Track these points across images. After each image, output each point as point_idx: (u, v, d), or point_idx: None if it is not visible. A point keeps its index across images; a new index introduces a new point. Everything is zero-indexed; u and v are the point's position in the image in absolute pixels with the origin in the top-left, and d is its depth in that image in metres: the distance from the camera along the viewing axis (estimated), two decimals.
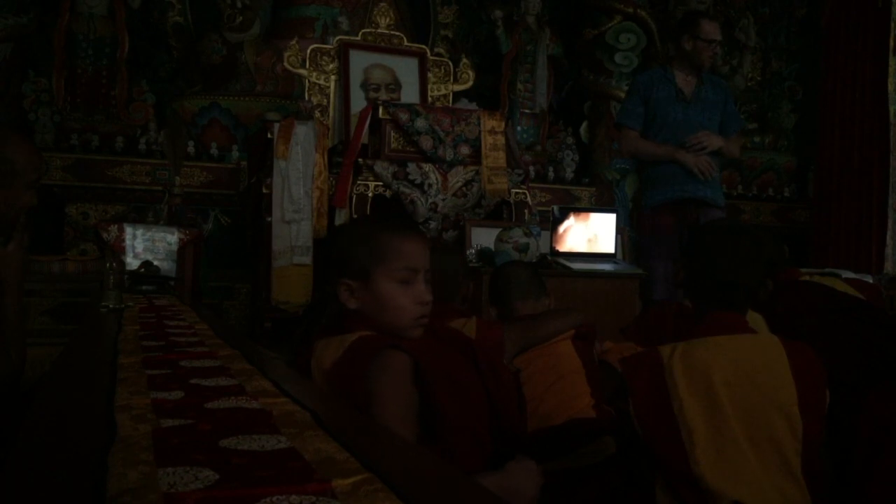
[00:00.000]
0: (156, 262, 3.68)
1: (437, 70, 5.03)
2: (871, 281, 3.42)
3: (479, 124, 4.10)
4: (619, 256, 4.05)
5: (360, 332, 1.36)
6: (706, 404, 1.48)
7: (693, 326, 1.64)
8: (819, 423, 1.50)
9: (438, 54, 5.52)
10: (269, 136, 4.07)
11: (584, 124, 6.50)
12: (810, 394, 1.50)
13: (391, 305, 1.38)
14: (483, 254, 3.53)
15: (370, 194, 3.92)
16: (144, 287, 3.15)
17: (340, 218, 3.92)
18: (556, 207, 4.02)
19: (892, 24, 5.92)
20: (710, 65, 3.80)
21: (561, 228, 3.84)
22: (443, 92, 5.00)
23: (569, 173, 6.18)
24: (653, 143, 3.79)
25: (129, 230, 3.92)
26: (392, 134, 4.01)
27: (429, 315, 1.45)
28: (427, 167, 3.97)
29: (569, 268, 3.63)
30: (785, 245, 2.63)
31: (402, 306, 1.39)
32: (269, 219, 4.02)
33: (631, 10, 6.23)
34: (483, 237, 3.74)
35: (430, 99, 4.85)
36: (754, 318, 2.05)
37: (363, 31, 4.98)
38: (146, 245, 3.91)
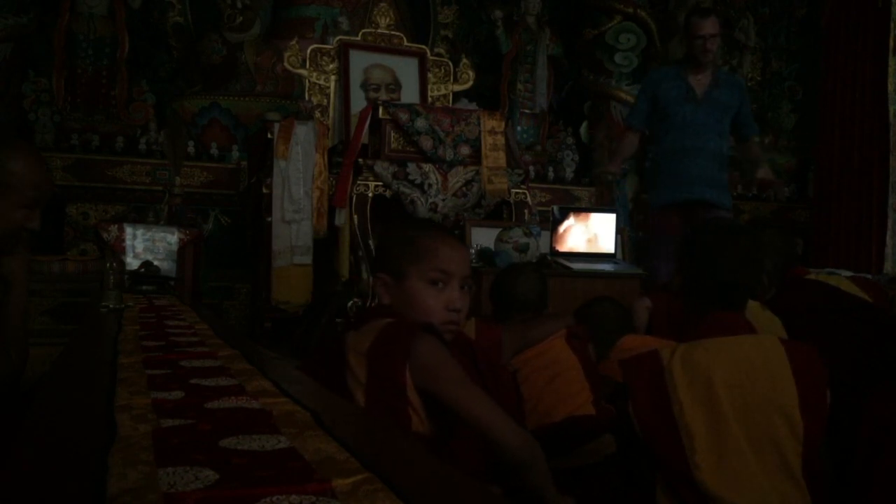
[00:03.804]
0: (156, 262, 3.68)
1: (437, 70, 5.03)
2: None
3: (479, 124, 4.10)
4: (619, 256, 4.04)
5: (387, 318, 1.39)
6: (706, 407, 1.47)
7: (691, 327, 1.64)
8: (820, 423, 1.50)
9: (438, 54, 5.52)
10: (269, 136, 4.07)
11: (584, 124, 6.50)
12: (811, 394, 1.50)
13: (420, 305, 1.43)
14: (483, 254, 3.53)
15: (370, 194, 3.91)
16: (144, 287, 3.15)
17: (340, 218, 3.92)
18: (556, 207, 4.02)
19: (892, 24, 5.92)
20: (710, 60, 3.75)
21: (561, 228, 3.83)
22: (443, 92, 5.00)
23: (569, 173, 6.18)
24: (622, 151, 4.01)
25: (129, 230, 3.93)
26: (392, 134, 4.01)
27: (459, 323, 1.48)
28: (427, 167, 3.97)
29: (569, 268, 3.63)
30: (799, 238, 2.64)
31: (430, 307, 1.43)
32: (269, 219, 4.02)
33: (631, 10, 6.23)
34: (483, 237, 3.74)
35: (430, 99, 4.85)
36: (771, 319, 2.05)
37: (363, 31, 4.98)
38: (146, 245, 3.91)
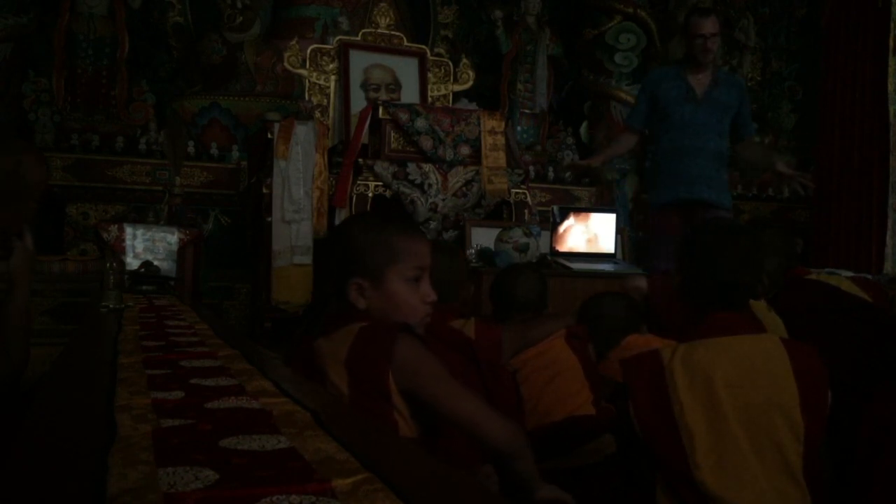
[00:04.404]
0: (156, 262, 3.68)
1: (437, 70, 5.03)
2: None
3: (479, 124, 4.10)
4: (619, 256, 4.04)
5: (359, 323, 1.36)
6: (707, 407, 1.47)
7: (691, 327, 1.64)
8: (820, 423, 1.50)
9: (438, 54, 5.52)
10: (269, 136, 4.07)
11: (584, 124, 6.50)
12: (812, 395, 1.50)
13: (403, 305, 1.40)
14: (483, 254, 3.53)
15: (370, 194, 3.92)
16: (144, 287, 3.15)
17: (340, 218, 3.92)
18: (556, 207, 4.02)
19: (892, 24, 5.92)
20: (710, 59, 3.74)
21: (561, 228, 3.83)
22: (443, 92, 5.00)
23: (569, 173, 6.18)
24: (613, 149, 4.13)
25: (129, 230, 3.92)
26: (392, 134, 4.01)
27: (430, 314, 1.47)
28: (427, 167, 3.97)
29: (569, 268, 3.62)
30: (799, 238, 2.63)
31: (413, 305, 1.40)
32: (269, 219, 4.02)
33: (631, 10, 6.23)
34: (483, 237, 3.74)
35: (430, 99, 4.85)
36: (773, 319, 2.05)
37: (363, 31, 4.98)
38: (146, 245, 3.91)
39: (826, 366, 1.54)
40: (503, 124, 4.18)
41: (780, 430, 1.46)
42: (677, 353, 1.53)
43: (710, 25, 3.69)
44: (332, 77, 4.72)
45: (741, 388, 1.48)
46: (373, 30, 4.99)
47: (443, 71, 5.05)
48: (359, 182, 3.92)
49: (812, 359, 1.54)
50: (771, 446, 1.46)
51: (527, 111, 6.28)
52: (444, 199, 3.97)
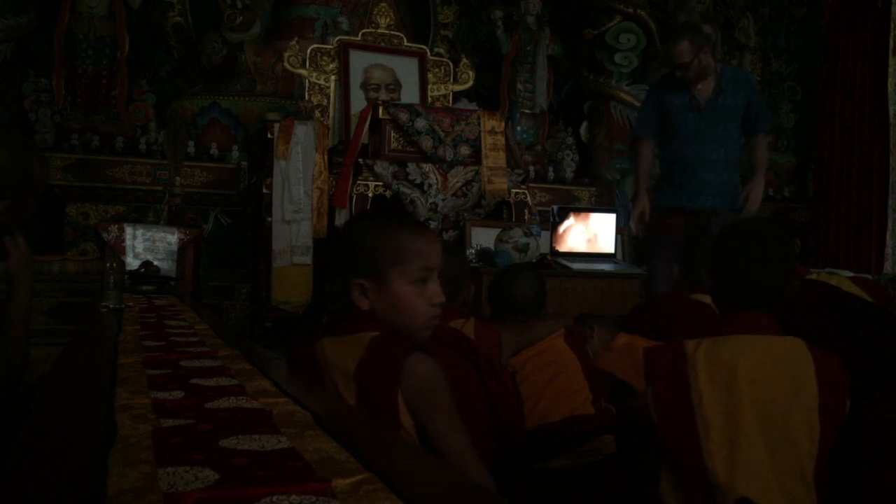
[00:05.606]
0: (156, 262, 3.68)
1: (437, 70, 5.03)
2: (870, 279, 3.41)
3: (479, 124, 4.10)
4: (619, 256, 4.04)
5: (370, 330, 1.31)
6: (726, 399, 1.49)
7: (717, 325, 1.65)
8: (835, 431, 1.50)
9: (438, 54, 5.52)
10: (269, 136, 4.08)
11: (584, 124, 6.50)
12: (831, 401, 1.50)
13: (407, 307, 1.35)
14: (483, 254, 3.53)
15: (370, 194, 3.92)
16: (144, 287, 3.15)
17: (340, 218, 3.92)
18: (555, 207, 4.02)
19: (892, 24, 5.92)
20: (694, 79, 3.63)
21: (561, 228, 3.84)
22: (443, 92, 5.00)
23: (569, 173, 6.19)
24: (645, 170, 3.81)
25: (129, 230, 3.93)
26: (392, 134, 4.01)
27: (439, 316, 1.42)
28: (427, 167, 3.97)
29: (569, 268, 3.63)
30: (797, 239, 2.63)
31: (416, 308, 1.35)
32: (270, 219, 4.02)
33: (631, 10, 6.23)
34: (483, 237, 3.74)
35: (429, 99, 4.86)
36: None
37: (363, 31, 4.98)
38: (146, 245, 3.92)
39: (847, 374, 1.55)
40: (503, 124, 4.19)
41: (796, 432, 1.47)
42: (702, 345, 1.55)
43: (684, 53, 3.50)
44: (332, 77, 4.72)
45: (762, 385, 1.49)
46: (373, 30, 5.00)
47: (443, 71, 5.05)
48: (359, 182, 3.92)
49: (836, 366, 1.55)
50: (786, 446, 1.46)
51: (527, 111, 6.28)
52: (444, 199, 3.97)
